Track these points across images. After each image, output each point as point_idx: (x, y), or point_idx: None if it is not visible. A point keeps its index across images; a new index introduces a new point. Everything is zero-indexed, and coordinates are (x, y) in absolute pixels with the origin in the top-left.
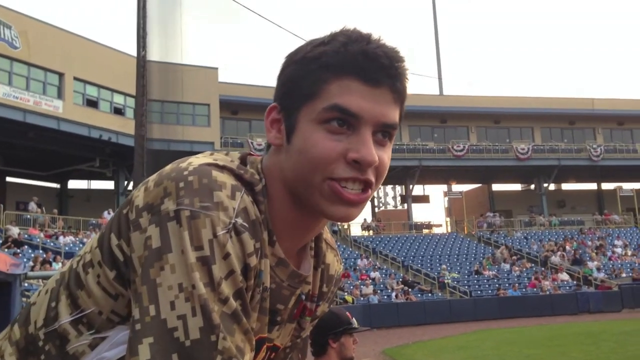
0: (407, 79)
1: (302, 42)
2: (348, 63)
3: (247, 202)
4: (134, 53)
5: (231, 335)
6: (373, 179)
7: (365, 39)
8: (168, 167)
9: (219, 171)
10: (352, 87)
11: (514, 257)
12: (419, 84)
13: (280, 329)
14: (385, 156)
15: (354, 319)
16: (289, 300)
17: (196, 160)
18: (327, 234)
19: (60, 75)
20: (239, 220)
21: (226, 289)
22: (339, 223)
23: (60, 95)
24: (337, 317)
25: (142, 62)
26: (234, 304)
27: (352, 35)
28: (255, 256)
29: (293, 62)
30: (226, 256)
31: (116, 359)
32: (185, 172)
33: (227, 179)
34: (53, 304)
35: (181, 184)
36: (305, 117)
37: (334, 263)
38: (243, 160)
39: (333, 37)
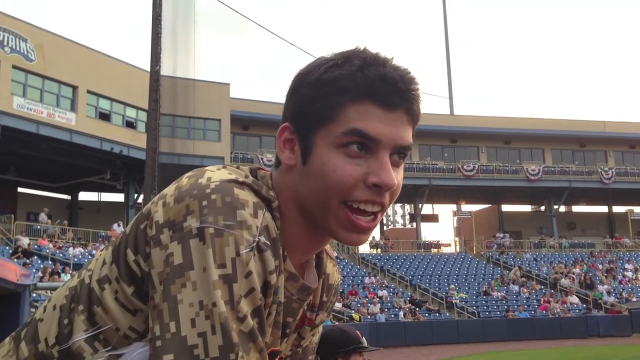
0: (420, 100)
1: (311, 59)
2: (366, 88)
3: (269, 220)
4: (147, 68)
5: (247, 354)
6: (388, 201)
7: (381, 61)
8: (186, 182)
9: (240, 188)
10: (370, 111)
11: (523, 279)
12: (430, 103)
13: (288, 341)
14: (399, 177)
15: (363, 338)
16: (298, 312)
17: (215, 176)
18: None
19: (74, 88)
20: (262, 239)
21: (245, 307)
22: None
23: (73, 107)
24: (347, 336)
25: (155, 76)
26: (251, 322)
27: (367, 58)
28: (275, 274)
29: (307, 84)
30: (248, 274)
31: None
32: (208, 190)
33: (249, 197)
34: (66, 321)
35: (204, 202)
36: (323, 140)
37: (334, 273)
38: (254, 175)
39: (346, 58)
